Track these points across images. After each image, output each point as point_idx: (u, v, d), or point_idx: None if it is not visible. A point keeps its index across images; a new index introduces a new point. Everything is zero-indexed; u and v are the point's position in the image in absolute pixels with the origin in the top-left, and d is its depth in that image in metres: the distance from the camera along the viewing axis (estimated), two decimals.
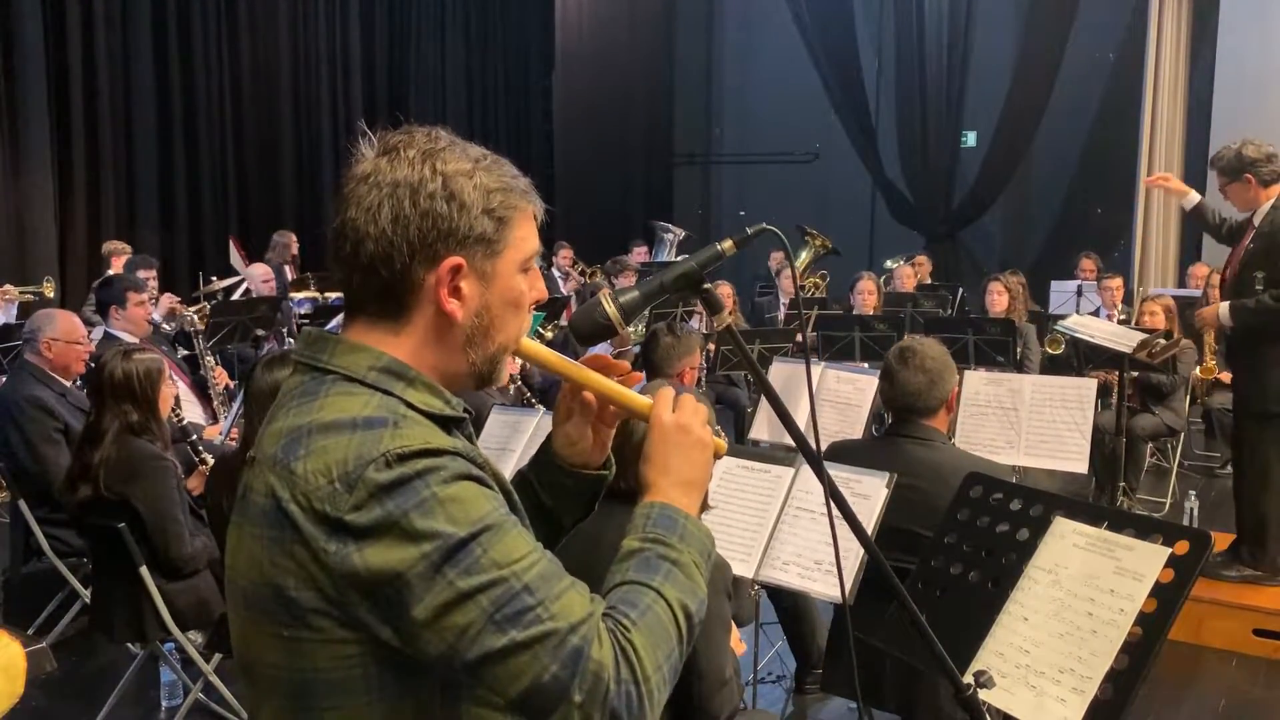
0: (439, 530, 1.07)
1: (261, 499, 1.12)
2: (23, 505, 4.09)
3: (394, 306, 1.19)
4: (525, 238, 1.23)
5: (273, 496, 1.11)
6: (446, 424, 1.20)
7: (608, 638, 1.11)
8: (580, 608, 1.11)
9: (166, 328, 6.36)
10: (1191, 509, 5.13)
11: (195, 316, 6.09)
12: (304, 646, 1.11)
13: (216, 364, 5.87)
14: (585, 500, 1.47)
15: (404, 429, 1.11)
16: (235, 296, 7.85)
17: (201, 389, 5.69)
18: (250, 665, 1.18)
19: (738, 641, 2.53)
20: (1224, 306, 4.46)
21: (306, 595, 1.09)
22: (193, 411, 5.19)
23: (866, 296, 7.52)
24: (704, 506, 1.37)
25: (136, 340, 5.04)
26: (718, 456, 1.37)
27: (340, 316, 6.72)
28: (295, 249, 9.74)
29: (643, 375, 1.46)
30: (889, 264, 10.30)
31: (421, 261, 1.17)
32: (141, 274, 6.51)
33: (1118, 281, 7.86)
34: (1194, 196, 4.77)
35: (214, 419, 5.45)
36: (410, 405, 1.16)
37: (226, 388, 5.74)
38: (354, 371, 1.17)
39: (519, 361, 2.31)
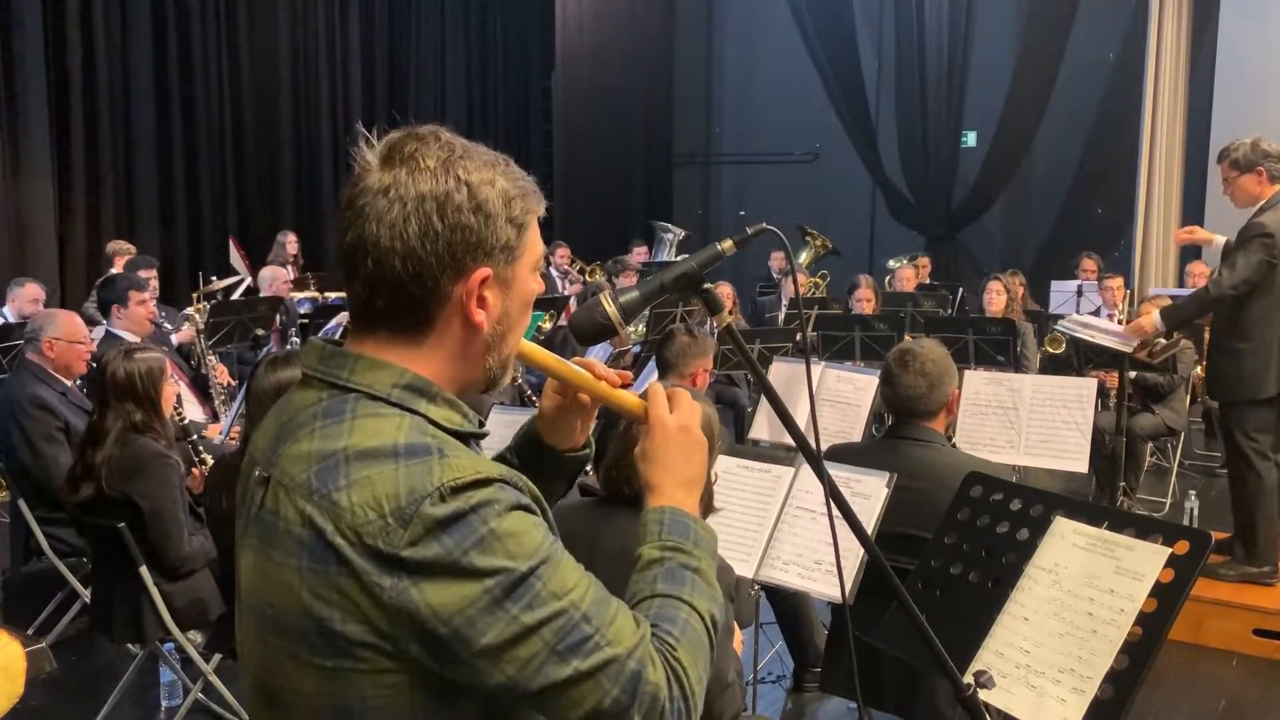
0: (500, 567, 1.06)
1: (297, 529, 1.09)
2: (23, 505, 4.09)
3: (417, 320, 1.16)
4: (536, 239, 1.23)
5: (312, 528, 1.08)
6: (466, 439, 1.18)
7: (659, 659, 1.13)
8: (631, 631, 1.13)
9: (168, 326, 6.37)
10: (1191, 509, 5.13)
11: (196, 315, 6.11)
12: (348, 677, 1.09)
13: (216, 362, 5.87)
14: (570, 479, 1.51)
15: (450, 458, 1.09)
16: (235, 296, 7.85)
17: (202, 388, 5.69)
18: (277, 691, 1.15)
19: (738, 643, 2.53)
20: (1155, 314, 4.70)
21: (354, 628, 1.07)
22: (192, 410, 5.20)
23: (864, 303, 7.49)
24: (710, 509, 1.39)
25: (138, 339, 5.05)
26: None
27: (338, 318, 6.70)
28: (295, 249, 9.75)
29: (631, 376, 1.46)
30: (891, 264, 10.30)
31: (451, 276, 1.14)
32: (141, 274, 6.51)
33: (1118, 281, 7.86)
34: (1219, 240, 4.85)
35: (214, 418, 5.45)
36: (434, 423, 1.14)
37: (227, 386, 5.74)
38: (378, 390, 1.14)
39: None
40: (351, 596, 1.06)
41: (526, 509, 1.12)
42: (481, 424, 1.24)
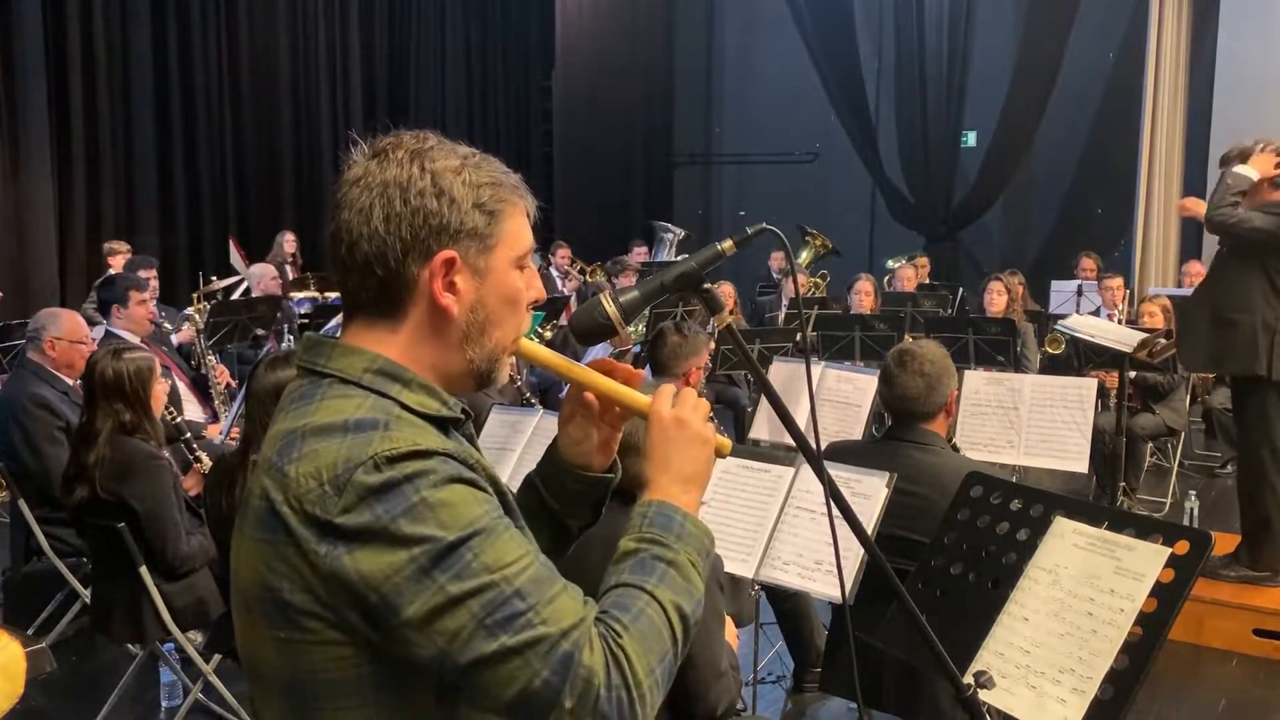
0: (428, 535, 1.07)
1: (257, 501, 1.14)
2: (23, 505, 4.09)
3: (390, 305, 1.20)
4: (517, 233, 1.24)
5: (267, 499, 1.12)
6: (444, 425, 1.20)
7: (599, 643, 1.11)
8: (572, 613, 1.11)
9: (168, 326, 6.37)
10: (1191, 509, 5.13)
11: (196, 315, 6.11)
12: (299, 648, 1.12)
13: (217, 362, 5.87)
14: (592, 504, 1.46)
15: (394, 431, 1.12)
16: (235, 296, 7.85)
17: (202, 388, 5.70)
18: (254, 666, 1.19)
19: (733, 636, 2.53)
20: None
21: (299, 598, 1.10)
22: (192, 411, 5.20)
23: (864, 297, 7.53)
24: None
25: (138, 339, 5.05)
26: (721, 455, 1.36)
27: (338, 318, 6.73)
28: (295, 249, 9.75)
29: (645, 373, 1.46)
30: (891, 264, 10.31)
31: (415, 258, 1.18)
32: (141, 274, 6.51)
33: (1118, 281, 7.86)
34: None
35: (214, 418, 5.45)
36: (405, 407, 1.17)
37: (228, 386, 5.74)
38: (349, 374, 1.18)
39: (516, 362, 2.30)
40: (295, 566, 1.10)
41: (470, 483, 1.13)
42: (466, 412, 1.24)
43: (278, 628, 1.12)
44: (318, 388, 1.19)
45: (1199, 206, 4.80)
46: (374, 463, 1.08)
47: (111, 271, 7.24)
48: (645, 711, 1.13)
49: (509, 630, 1.08)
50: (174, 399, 4.49)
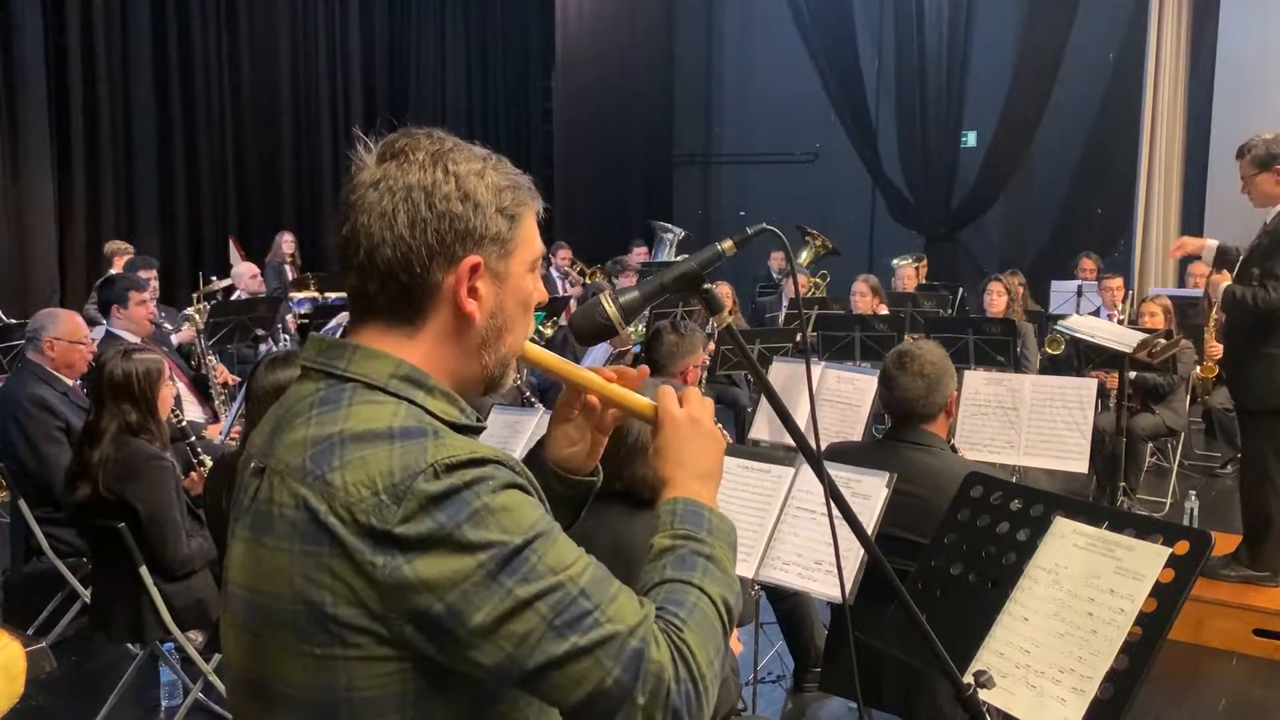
0: (493, 540, 1.06)
1: (291, 512, 1.10)
2: (23, 505, 4.09)
3: (411, 310, 1.18)
4: (532, 237, 1.24)
5: (306, 509, 1.08)
6: (463, 434, 1.18)
7: (663, 639, 1.12)
8: (634, 610, 1.11)
9: (169, 326, 6.37)
10: (1191, 509, 5.12)
11: (196, 315, 6.12)
12: (336, 664, 1.08)
13: (217, 363, 5.88)
14: (575, 506, 1.46)
15: (446, 439, 1.10)
16: (235, 297, 7.86)
17: (202, 388, 5.70)
18: (262, 683, 1.15)
19: (735, 640, 2.53)
20: (1225, 285, 4.42)
21: (346, 611, 1.07)
22: (192, 411, 5.20)
23: (860, 298, 7.54)
24: None
25: (138, 339, 5.05)
26: None
27: (338, 318, 6.70)
28: (293, 249, 9.75)
29: (647, 371, 1.46)
30: (896, 262, 10.30)
31: (441, 264, 1.16)
32: (141, 274, 6.51)
33: (1118, 281, 7.86)
34: (1212, 244, 4.71)
35: (214, 418, 5.45)
36: (431, 415, 1.15)
37: (226, 385, 5.75)
38: (375, 379, 1.15)
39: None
40: (344, 578, 1.06)
41: (522, 489, 1.12)
42: (480, 420, 1.24)
43: (313, 644, 1.08)
44: (342, 393, 1.15)
45: (1188, 246, 4.86)
46: (434, 470, 1.06)
47: (113, 272, 7.24)
48: (709, 703, 1.13)
49: (578, 630, 1.07)
50: (175, 400, 4.50)
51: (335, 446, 1.10)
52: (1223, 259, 4.61)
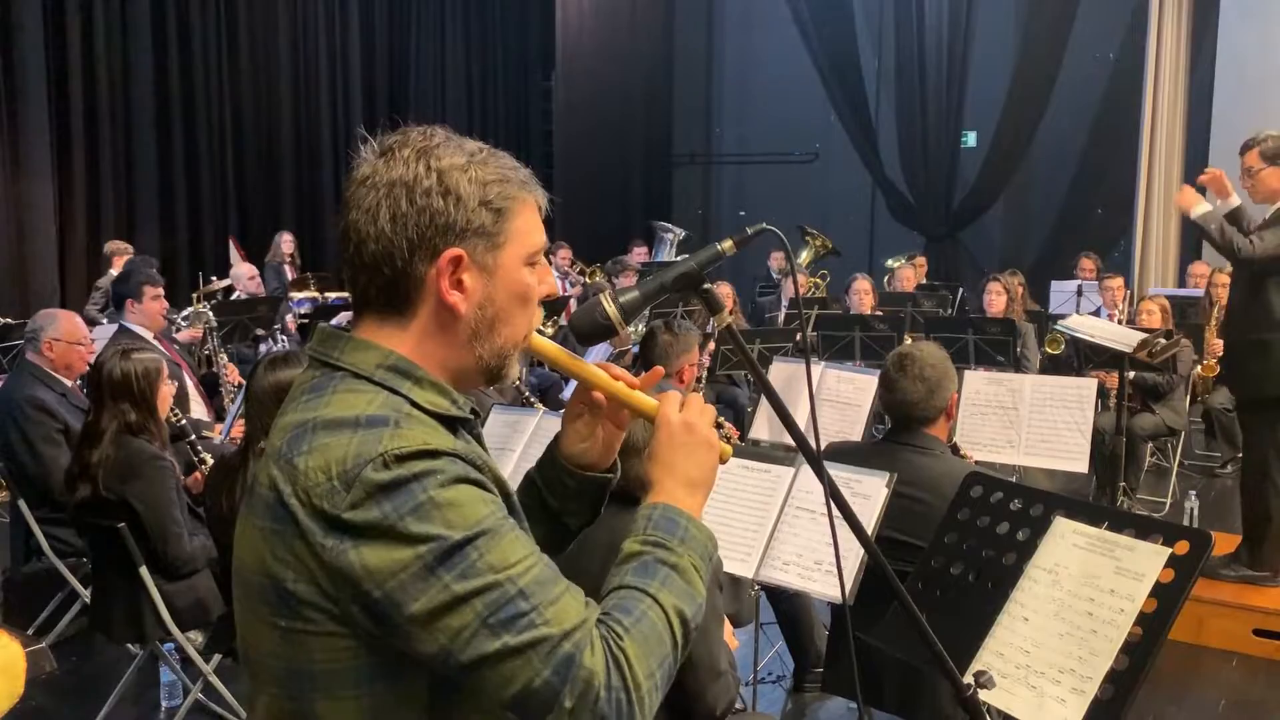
0: (435, 533, 1.08)
1: (265, 491, 1.15)
2: (23, 505, 4.09)
3: (399, 302, 1.21)
4: (528, 230, 1.24)
5: (275, 490, 1.13)
6: (453, 424, 1.21)
7: (600, 644, 1.12)
8: (574, 614, 1.12)
9: (182, 323, 6.38)
10: (1191, 509, 5.13)
11: (210, 314, 6.14)
12: (299, 638, 1.13)
13: (228, 361, 5.88)
14: (590, 502, 1.46)
15: (404, 429, 1.13)
16: (235, 297, 7.86)
17: (209, 386, 5.71)
18: (249, 655, 1.21)
19: (731, 636, 2.53)
20: (1201, 209, 4.33)
21: (304, 589, 1.11)
22: (197, 410, 5.20)
23: (863, 296, 7.53)
24: None
25: (151, 334, 5.07)
26: (722, 460, 1.37)
27: (338, 318, 6.71)
28: (293, 249, 9.75)
29: (663, 372, 1.46)
30: (890, 263, 10.31)
31: (422, 257, 1.19)
32: None
33: (1118, 281, 7.86)
34: (1235, 199, 4.50)
35: (220, 417, 5.45)
36: (416, 404, 1.17)
37: (237, 385, 5.75)
38: (362, 369, 1.19)
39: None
40: (301, 557, 1.11)
41: (476, 484, 1.14)
42: (475, 412, 1.25)
43: (279, 616, 1.13)
44: (330, 380, 1.19)
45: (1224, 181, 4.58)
46: (383, 460, 1.09)
47: (114, 271, 7.24)
48: (644, 714, 1.13)
49: (512, 630, 1.09)
50: (181, 398, 4.50)
51: (307, 432, 1.14)
52: (1235, 220, 4.42)
